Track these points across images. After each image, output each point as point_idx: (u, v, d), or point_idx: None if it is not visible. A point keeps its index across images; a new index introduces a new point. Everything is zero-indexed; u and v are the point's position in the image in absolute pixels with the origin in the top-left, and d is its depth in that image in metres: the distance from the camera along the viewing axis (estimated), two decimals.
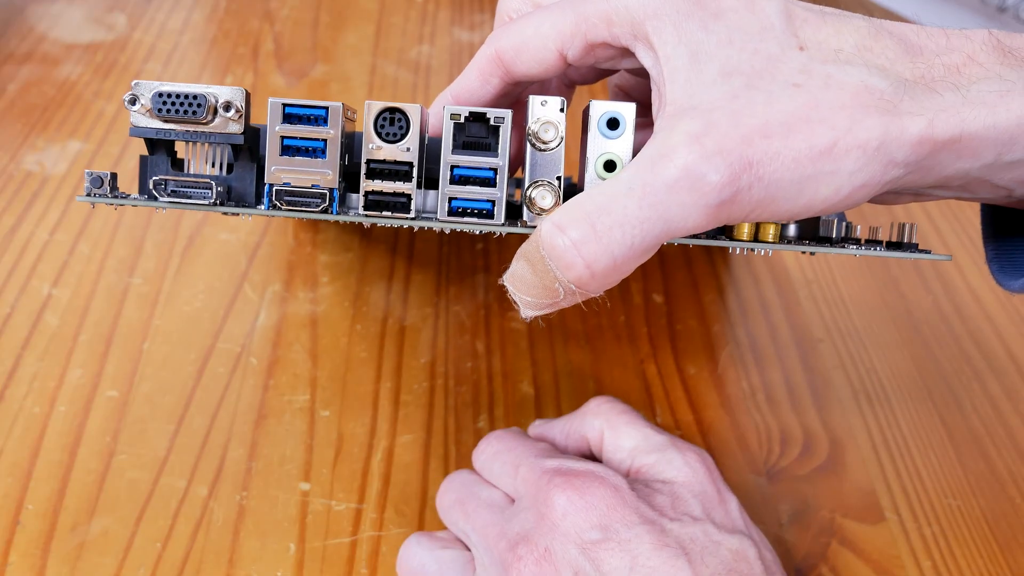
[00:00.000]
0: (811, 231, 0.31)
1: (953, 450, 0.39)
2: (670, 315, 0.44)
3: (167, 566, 0.32)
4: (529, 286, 0.27)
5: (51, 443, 0.35)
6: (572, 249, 0.25)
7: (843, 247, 0.29)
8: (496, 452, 0.32)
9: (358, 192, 0.28)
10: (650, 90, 0.29)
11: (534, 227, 0.27)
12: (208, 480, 0.34)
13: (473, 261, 0.45)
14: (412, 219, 0.28)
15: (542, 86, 0.33)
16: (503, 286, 0.28)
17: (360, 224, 0.46)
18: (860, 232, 0.32)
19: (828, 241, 0.30)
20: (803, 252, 0.30)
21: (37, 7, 0.62)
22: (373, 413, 0.38)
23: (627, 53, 0.28)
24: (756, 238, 0.28)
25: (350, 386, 0.39)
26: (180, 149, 0.29)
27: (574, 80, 0.33)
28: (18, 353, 0.39)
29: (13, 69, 0.56)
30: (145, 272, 0.43)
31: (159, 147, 0.28)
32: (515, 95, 0.31)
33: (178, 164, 0.28)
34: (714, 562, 0.28)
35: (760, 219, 0.26)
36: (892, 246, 0.31)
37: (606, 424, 0.33)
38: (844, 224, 0.30)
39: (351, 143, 0.29)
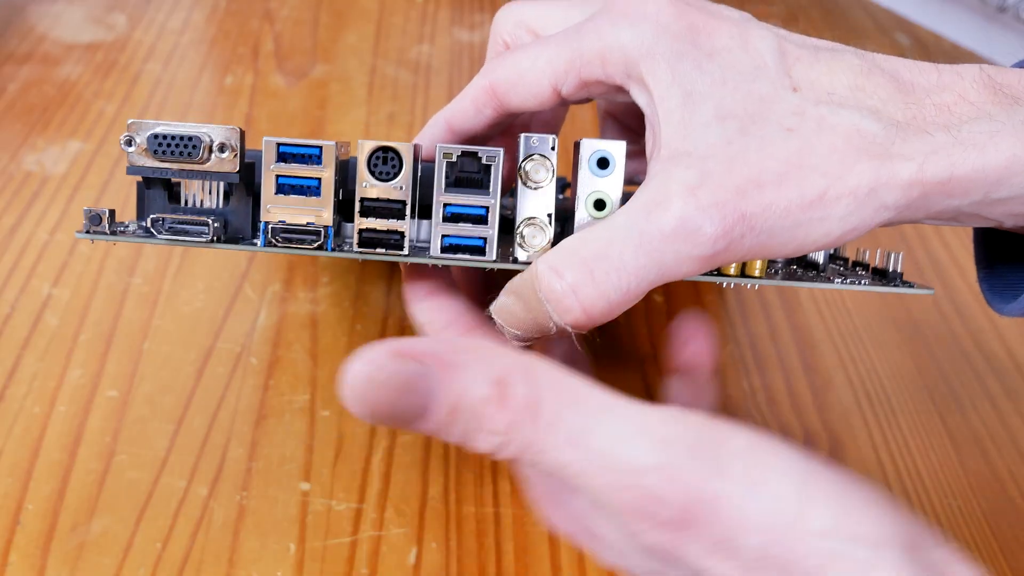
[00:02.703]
0: (798, 257, 0.31)
1: (953, 450, 0.39)
2: (670, 315, 0.44)
3: (167, 566, 0.32)
4: (519, 321, 0.27)
5: (51, 443, 0.35)
6: (570, 294, 0.25)
7: (829, 280, 0.30)
8: None
9: (352, 222, 0.28)
10: (641, 116, 0.29)
11: (526, 264, 0.28)
12: (208, 480, 0.34)
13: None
14: (406, 256, 0.28)
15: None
16: (487, 314, 0.28)
17: None
18: (847, 252, 0.32)
19: (815, 268, 0.31)
20: (787, 285, 0.30)
21: (37, 7, 0.62)
22: None
23: (621, 90, 0.28)
24: (743, 273, 0.29)
25: None
26: (178, 182, 0.29)
27: (569, 104, 0.33)
28: (18, 353, 0.39)
29: (13, 69, 0.56)
30: (145, 272, 0.43)
31: (155, 183, 0.28)
32: (508, 123, 0.32)
33: (175, 196, 0.29)
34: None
35: (750, 260, 0.26)
36: (877, 274, 0.31)
37: None
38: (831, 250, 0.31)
39: (346, 172, 0.29)
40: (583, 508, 0.25)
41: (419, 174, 0.28)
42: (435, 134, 0.32)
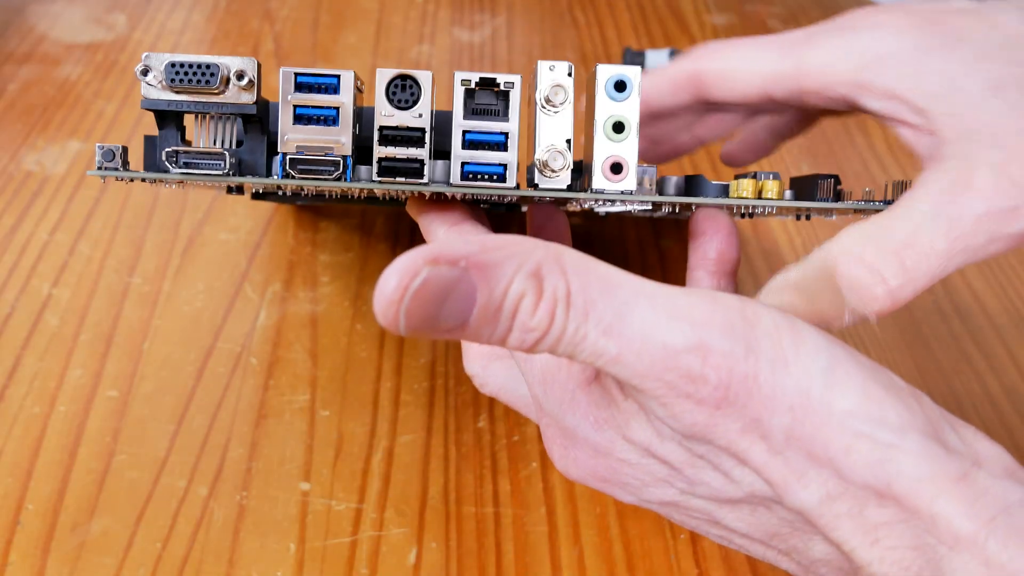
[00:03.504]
0: (807, 192, 0.31)
1: None
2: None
3: (167, 566, 0.32)
4: (801, 316, 0.26)
5: (51, 443, 0.35)
6: (881, 285, 0.25)
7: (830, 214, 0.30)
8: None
9: (369, 164, 0.28)
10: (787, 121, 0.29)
11: (549, 191, 0.27)
12: (208, 480, 0.34)
13: None
14: (425, 184, 0.28)
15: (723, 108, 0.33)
16: None
17: (360, 223, 0.46)
18: (853, 196, 0.32)
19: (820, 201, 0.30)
20: (798, 218, 0.30)
21: (37, 7, 0.62)
22: (373, 413, 0.38)
23: (843, 101, 0.28)
24: (760, 196, 0.28)
25: (350, 386, 0.39)
26: (188, 128, 0.29)
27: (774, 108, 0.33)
28: (18, 353, 0.39)
29: (13, 69, 0.56)
30: (145, 272, 0.43)
31: (169, 121, 0.28)
32: (697, 111, 0.32)
33: (186, 143, 0.28)
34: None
35: None
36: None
37: None
38: (837, 190, 0.30)
39: (360, 115, 0.29)
40: (610, 424, 0.24)
41: (436, 117, 0.28)
42: None
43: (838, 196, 0.30)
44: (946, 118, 0.26)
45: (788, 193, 0.30)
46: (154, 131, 0.29)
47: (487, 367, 0.29)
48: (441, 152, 0.28)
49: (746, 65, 0.29)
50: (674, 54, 0.60)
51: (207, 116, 0.28)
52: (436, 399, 0.38)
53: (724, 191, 0.29)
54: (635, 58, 0.60)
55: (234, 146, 0.28)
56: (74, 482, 0.34)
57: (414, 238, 0.46)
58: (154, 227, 0.45)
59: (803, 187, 0.31)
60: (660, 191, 0.29)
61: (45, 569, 0.31)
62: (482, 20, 0.66)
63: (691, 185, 0.29)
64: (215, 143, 0.28)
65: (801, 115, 0.34)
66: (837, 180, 0.30)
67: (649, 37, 0.66)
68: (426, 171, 0.28)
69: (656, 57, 0.60)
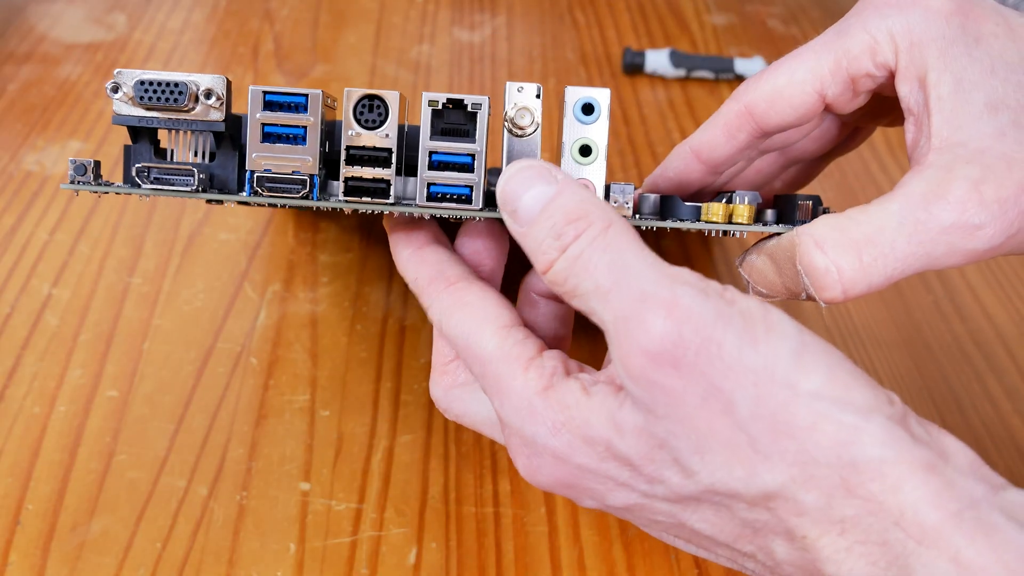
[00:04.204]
0: (788, 215, 0.31)
1: None
2: None
3: (167, 566, 0.32)
4: (769, 284, 0.28)
5: (51, 443, 0.35)
6: (833, 273, 0.26)
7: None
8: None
9: (338, 179, 0.28)
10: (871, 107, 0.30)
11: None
12: (208, 480, 0.34)
13: None
14: (392, 204, 0.28)
15: (793, 133, 0.33)
16: (737, 267, 0.29)
17: (361, 223, 0.46)
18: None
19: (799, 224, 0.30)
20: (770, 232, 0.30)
21: (37, 7, 0.62)
22: (373, 413, 0.38)
23: (891, 81, 0.28)
24: (730, 220, 0.28)
25: (350, 386, 0.39)
26: (163, 139, 0.29)
27: (832, 115, 0.33)
28: (18, 353, 0.39)
29: (13, 69, 0.56)
30: (145, 272, 0.43)
31: (142, 135, 0.28)
32: (757, 147, 0.32)
33: (161, 153, 0.29)
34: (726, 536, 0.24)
35: (1012, 254, 0.27)
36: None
37: None
38: (820, 205, 0.30)
39: (332, 131, 0.29)
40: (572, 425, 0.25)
41: (405, 132, 0.28)
42: (681, 166, 0.33)
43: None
44: (942, 126, 0.26)
45: (770, 213, 0.31)
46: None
47: (449, 392, 0.29)
48: (411, 167, 0.29)
49: (792, 77, 0.29)
50: (674, 54, 0.60)
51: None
52: None
53: (696, 213, 0.29)
54: (635, 58, 0.60)
55: (207, 159, 0.28)
56: (74, 482, 0.34)
57: None
58: (154, 227, 0.45)
59: (785, 206, 0.31)
60: (638, 209, 0.30)
61: (45, 569, 0.31)
62: (482, 20, 0.66)
63: (665, 206, 0.29)
64: (190, 154, 0.28)
65: (843, 130, 0.34)
66: (817, 201, 0.30)
67: (649, 37, 0.66)
68: (392, 190, 0.28)
69: (656, 57, 0.60)
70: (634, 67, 0.61)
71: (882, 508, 0.21)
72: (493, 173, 0.34)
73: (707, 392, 0.22)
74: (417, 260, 0.29)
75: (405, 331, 0.41)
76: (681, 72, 0.61)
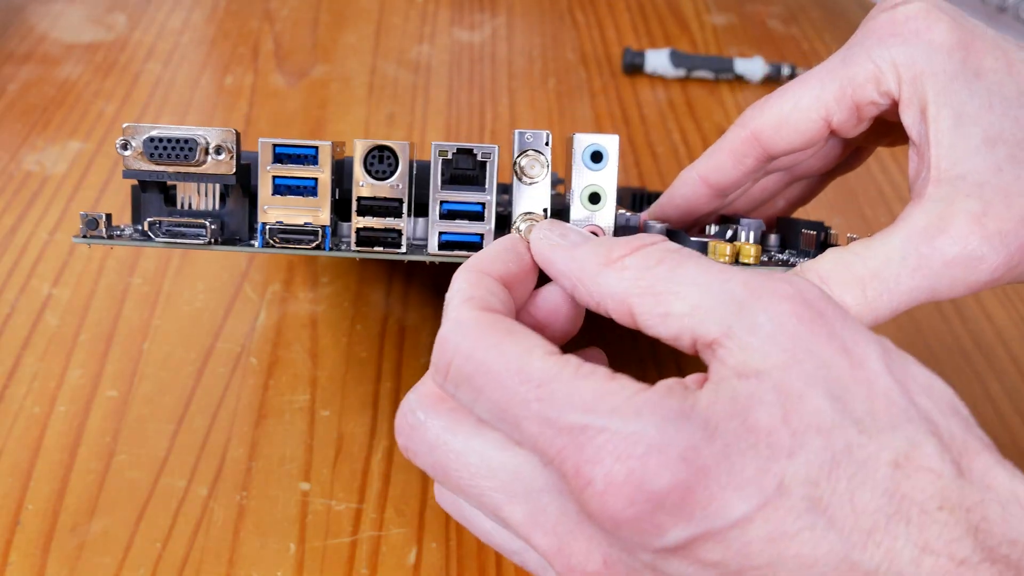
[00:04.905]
0: (792, 240, 0.31)
1: None
2: None
3: (167, 566, 0.32)
4: None
5: (51, 443, 0.35)
6: None
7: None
8: (472, 386, 0.22)
9: (349, 221, 0.28)
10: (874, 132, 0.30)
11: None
12: (208, 480, 0.34)
13: None
14: (404, 254, 0.28)
15: (798, 153, 0.33)
16: None
17: None
18: (839, 241, 0.32)
19: (806, 255, 0.30)
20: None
21: (37, 7, 0.62)
22: (373, 413, 0.38)
23: (894, 109, 0.28)
24: (737, 260, 0.29)
25: (350, 386, 0.39)
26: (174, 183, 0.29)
27: (837, 139, 0.33)
28: (18, 353, 0.39)
29: (13, 69, 0.56)
30: (145, 272, 0.43)
31: (152, 186, 0.28)
32: (763, 170, 0.32)
33: (171, 199, 0.29)
34: (869, 501, 0.19)
35: (1012, 283, 0.27)
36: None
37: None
38: (824, 233, 0.31)
39: (342, 172, 0.29)
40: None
41: (415, 172, 0.28)
42: (689, 192, 0.33)
43: (823, 247, 0.30)
44: (942, 159, 0.27)
45: (774, 238, 0.31)
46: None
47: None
48: (420, 205, 0.29)
49: (798, 103, 0.29)
50: (674, 54, 0.60)
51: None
52: None
53: (703, 249, 0.29)
54: (635, 58, 0.60)
55: (218, 203, 0.29)
56: (74, 482, 0.34)
57: None
58: None
59: (789, 232, 0.31)
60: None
61: (45, 569, 0.31)
62: (482, 20, 0.66)
63: (671, 239, 0.29)
64: (202, 199, 0.29)
65: (845, 149, 0.34)
66: (821, 228, 0.30)
67: (649, 37, 0.66)
68: (404, 238, 0.28)
69: (656, 57, 0.60)
70: (634, 67, 0.61)
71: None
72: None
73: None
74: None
75: (405, 331, 0.41)
76: (681, 72, 0.61)
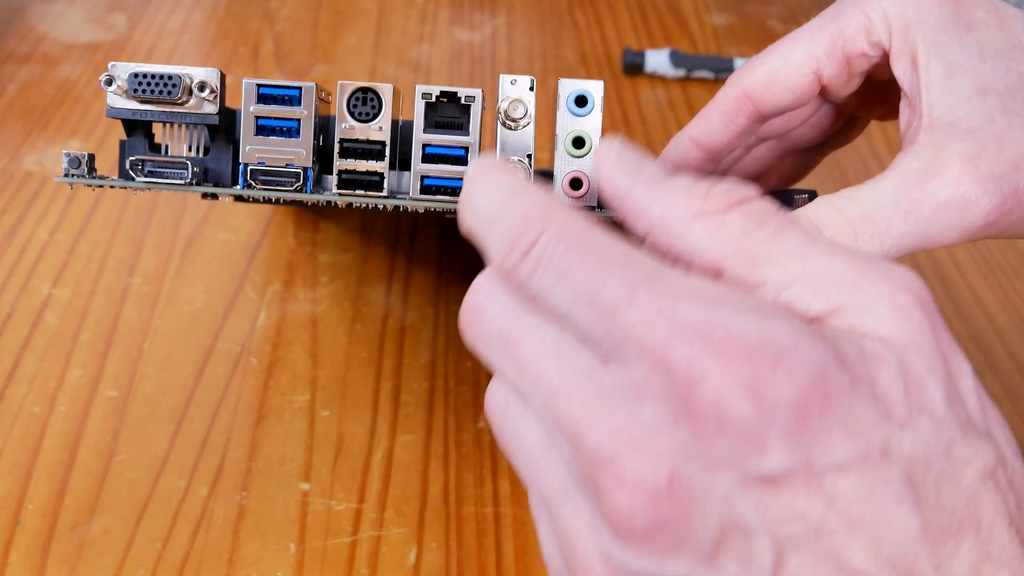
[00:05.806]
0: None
1: None
2: None
3: (167, 566, 0.32)
4: None
5: (51, 443, 0.35)
6: None
7: None
8: (558, 266, 0.19)
9: (332, 173, 0.28)
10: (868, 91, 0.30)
11: None
12: (208, 480, 0.34)
13: (474, 261, 0.45)
14: (385, 197, 0.28)
15: (790, 119, 0.33)
16: None
17: (360, 223, 0.46)
18: None
19: None
20: None
21: (37, 7, 0.62)
22: (373, 413, 0.38)
23: (885, 62, 0.28)
24: None
25: (350, 386, 0.39)
26: (158, 133, 0.29)
27: (827, 99, 0.33)
28: (18, 353, 0.39)
29: (13, 69, 0.56)
30: (145, 272, 0.43)
31: (136, 130, 0.28)
32: (754, 132, 0.32)
33: (156, 148, 0.29)
34: (952, 500, 0.18)
35: (1009, 236, 0.27)
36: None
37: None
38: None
39: (326, 125, 0.29)
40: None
41: (400, 128, 0.28)
42: (680, 156, 0.32)
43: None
44: (934, 107, 0.27)
45: None
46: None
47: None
48: (405, 162, 0.29)
49: (788, 58, 0.29)
50: (674, 54, 0.60)
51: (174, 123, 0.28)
52: (436, 399, 0.38)
53: None
54: (635, 58, 0.60)
55: (202, 153, 0.29)
56: (74, 482, 0.34)
57: (414, 238, 0.46)
58: (154, 227, 0.45)
59: (781, 203, 0.31)
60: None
61: (45, 569, 0.31)
62: (482, 20, 0.66)
63: None
64: (185, 148, 0.29)
65: (838, 118, 0.34)
66: (813, 195, 0.30)
67: (649, 37, 0.66)
68: (386, 183, 0.28)
69: (656, 57, 0.60)
70: (634, 67, 0.61)
71: None
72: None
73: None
74: None
75: (405, 331, 0.41)
76: (681, 72, 0.61)
